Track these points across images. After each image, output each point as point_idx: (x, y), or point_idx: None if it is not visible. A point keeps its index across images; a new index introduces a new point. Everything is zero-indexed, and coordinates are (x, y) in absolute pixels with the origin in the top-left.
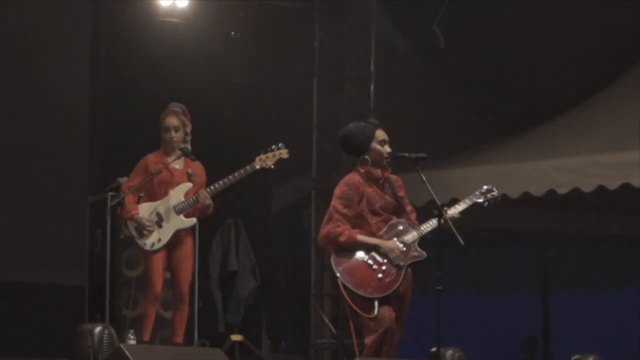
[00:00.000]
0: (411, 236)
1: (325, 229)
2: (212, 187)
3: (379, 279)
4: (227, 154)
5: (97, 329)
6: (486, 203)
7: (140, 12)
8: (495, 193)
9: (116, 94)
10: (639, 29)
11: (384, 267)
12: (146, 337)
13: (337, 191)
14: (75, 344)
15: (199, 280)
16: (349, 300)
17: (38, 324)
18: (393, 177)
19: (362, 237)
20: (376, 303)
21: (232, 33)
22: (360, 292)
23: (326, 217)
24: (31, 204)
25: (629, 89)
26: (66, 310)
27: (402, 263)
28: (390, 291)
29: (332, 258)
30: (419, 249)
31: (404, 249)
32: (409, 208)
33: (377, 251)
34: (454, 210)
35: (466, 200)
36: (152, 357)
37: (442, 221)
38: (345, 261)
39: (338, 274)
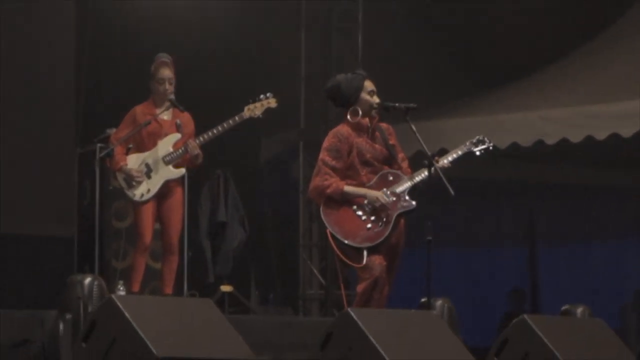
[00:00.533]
0: (401, 186)
1: (314, 181)
2: (200, 138)
3: (368, 229)
4: (215, 106)
5: (87, 280)
6: (477, 153)
7: None
8: (486, 143)
9: (102, 44)
10: None
11: (372, 217)
12: (136, 288)
13: (326, 143)
14: (64, 295)
15: (188, 232)
16: (337, 251)
17: (27, 276)
18: (384, 125)
19: (348, 188)
20: (365, 252)
21: None
22: (349, 242)
23: (315, 170)
24: (19, 157)
25: (618, 39)
26: (55, 262)
27: (389, 212)
28: (379, 241)
29: (321, 209)
30: (408, 198)
31: (393, 199)
32: (400, 156)
33: (366, 202)
34: (444, 160)
35: (457, 150)
36: (143, 307)
37: (432, 171)
38: (334, 212)
39: (327, 224)
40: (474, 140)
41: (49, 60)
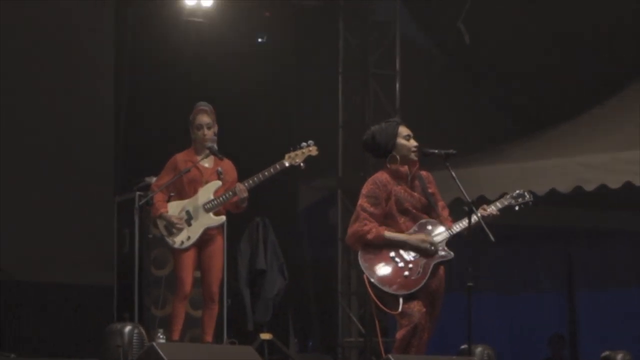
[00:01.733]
0: (440, 236)
1: (352, 227)
2: (246, 183)
3: (406, 277)
4: (254, 154)
5: (127, 329)
6: (517, 207)
7: (164, 11)
8: (527, 197)
9: (141, 93)
10: None
11: (410, 265)
12: (176, 336)
13: (364, 190)
14: (105, 343)
15: (227, 279)
16: (373, 297)
17: (68, 325)
18: (423, 173)
19: (389, 234)
20: (401, 300)
21: (259, 39)
22: (386, 289)
23: (353, 216)
24: (59, 205)
25: None
26: (95, 311)
27: (427, 261)
28: (416, 289)
29: (360, 254)
30: (446, 249)
31: (434, 239)
32: (440, 204)
33: (404, 248)
34: (490, 208)
35: (497, 203)
36: (185, 354)
37: (472, 217)
38: (372, 258)
39: (364, 270)
40: (514, 195)
41: (89, 108)
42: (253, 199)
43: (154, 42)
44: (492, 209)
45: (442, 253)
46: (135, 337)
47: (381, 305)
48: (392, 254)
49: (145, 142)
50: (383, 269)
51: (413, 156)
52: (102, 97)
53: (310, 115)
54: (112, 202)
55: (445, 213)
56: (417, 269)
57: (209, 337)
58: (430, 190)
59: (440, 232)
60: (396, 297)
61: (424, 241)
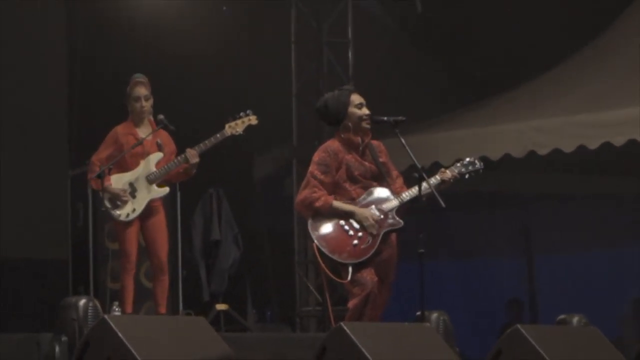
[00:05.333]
0: (390, 204)
1: (301, 194)
2: (196, 148)
3: (355, 245)
4: (207, 124)
5: (82, 302)
6: (467, 175)
7: None
8: (477, 165)
9: (94, 67)
10: None
11: (360, 234)
12: (128, 309)
13: (316, 157)
14: (60, 317)
15: (182, 250)
16: (323, 265)
17: (23, 299)
18: (375, 142)
19: (337, 203)
20: (350, 269)
21: (224, 8)
22: (335, 257)
23: (303, 183)
24: (12, 180)
25: (607, 48)
26: (51, 285)
27: (374, 232)
28: (366, 257)
29: (309, 223)
30: (396, 217)
31: (380, 216)
32: (395, 173)
33: (353, 218)
34: (434, 180)
35: (448, 171)
36: (137, 327)
37: (423, 184)
38: (321, 226)
39: (314, 239)
40: (465, 162)
41: (40, 84)
42: (207, 170)
43: (106, 15)
44: (452, 171)
45: (391, 221)
46: (90, 311)
47: (330, 274)
48: (342, 222)
49: (98, 116)
50: (333, 238)
51: (364, 124)
52: (56, 71)
53: (264, 84)
54: (66, 176)
55: (399, 182)
56: (367, 238)
57: (163, 309)
58: (381, 160)
59: (390, 200)
60: (346, 266)
61: (368, 219)
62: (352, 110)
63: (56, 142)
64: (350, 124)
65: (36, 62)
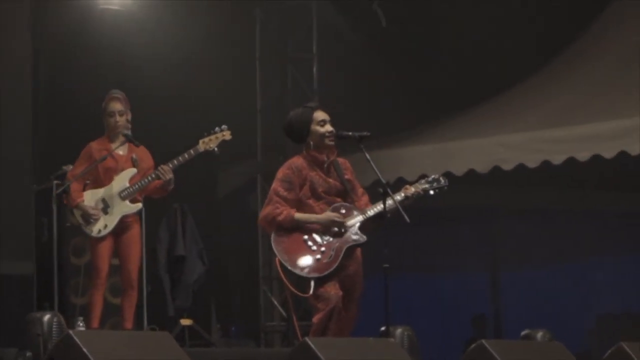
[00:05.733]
0: (353, 219)
1: (264, 210)
2: (170, 164)
3: (318, 260)
4: (173, 139)
5: (46, 317)
6: (432, 192)
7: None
8: (442, 182)
9: (58, 82)
10: (578, 7)
11: (323, 248)
12: (95, 324)
13: (279, 174)
14: (24, 332)
15: (147, 266)
16: (286, 281)
17: None
18: (341, 160)
19: (299, 215)
20: (312, 283)
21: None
22: (298, 272)
23: (267, 200)
24: None
25: (571, 64)
26: (15, 300)
27: (339, 220)
28: (328, 272)
29: (273, 238)
30: (359, 232)
31: (346, 221)
32: (360, 190)
33: (316, 231)
34: (399, 196)
35: (412, 187)
36: (101, 342)
37: (387, 199)
38: (284, 240)
39: (277, 254)
40: (430, 179)
41: (5, 99)
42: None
43: (70, 31)
44: (416, 187)
45: (355, 237)
46: (55, 326)
47: (293, 289)
48: (305, 237)
49: (63, 131)
50: (295, 253)
51: (327, 142)
52: (20, 86)
53: (229, 100)
54: (30, 191)
55: (364, 199)
56: (330, 253)
57: (129, 324)
58: (347, 177)
59: (355, 216)
60: (308, 280)
61: (332, 220)
62: (315, 127)
63: (21, 157)
64: (312, 142)
65: (0, 77)
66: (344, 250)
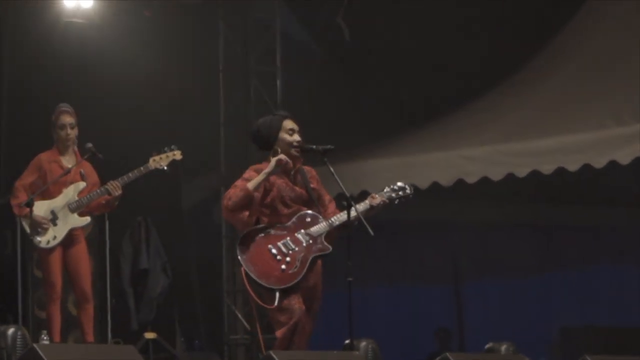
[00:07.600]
0: (318, 228)
1: (224, 197)
2: (120, 180)
3: (283, 270)
4: (135, 153)
5: (10, 330)
6: (397, 201)
7: (44, 13)
8: (407, 191)
9: (22, 96)
10: (538, 20)
11: (288, 259)
12: (57, 338)
13: (245, 173)
14: None
15: (110, 279)
16: (250, 291)
17: None
18: (307, 168)
19: (253, 181)
20: (277, 294)
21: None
22: (262, 282)
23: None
24: None
25: (535, 77)
26: None
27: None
28: (293, 283)
29: (237, 247)
30: (325, 242)
31: (309, 241)
32: (327, 198)
33: (282, 242)
34: (364, 205)
35: (377, 196)
36: (66, 355)
37: (351, 212)
38: (249, 250)
39: (242, 263)
40: (395, 187)
41: None
42: (135, 198)
43: (34, 45)
44: (381, 196)
45: (320, 246)
46: (18, 339)
47: (257, 299)
48: (270, 246)
49: (26, 144)
50: (260, 262)
51: (293, 151)
52: None
53: (192, 112)
54: None
55: (331, 206)
56: (295, 263)
57: (90, 337)
58: (312, 185)
59: (319, 225)
60: (272, 291)
61: (277, 160)
62: (283, 135)
63: None
64: (279, 149)
65: None
66: (309, 260)
